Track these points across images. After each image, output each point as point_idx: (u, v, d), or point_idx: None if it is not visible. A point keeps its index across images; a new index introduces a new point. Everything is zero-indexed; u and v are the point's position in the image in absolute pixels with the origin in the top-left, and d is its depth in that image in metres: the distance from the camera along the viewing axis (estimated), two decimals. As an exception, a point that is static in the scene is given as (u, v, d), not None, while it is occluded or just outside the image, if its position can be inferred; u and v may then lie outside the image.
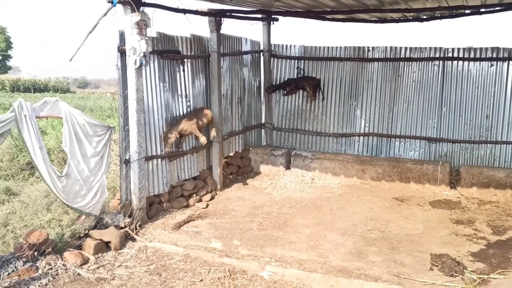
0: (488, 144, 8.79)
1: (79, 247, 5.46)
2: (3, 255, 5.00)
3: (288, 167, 9.41)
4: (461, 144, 8.97)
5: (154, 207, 6.79)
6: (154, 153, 6.78)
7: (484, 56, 8.74)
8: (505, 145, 8.67)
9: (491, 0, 6.94)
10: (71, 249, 5.35)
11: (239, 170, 9.24)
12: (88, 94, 37.69)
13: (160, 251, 5.63)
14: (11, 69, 63.95)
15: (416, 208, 7.38)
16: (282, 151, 9.49)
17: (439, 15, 8.42)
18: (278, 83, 10.17)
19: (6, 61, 62.87)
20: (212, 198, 7.79)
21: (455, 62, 8.97)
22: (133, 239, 5.88)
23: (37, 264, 4.98)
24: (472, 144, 8.90)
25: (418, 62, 9.21)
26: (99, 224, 5.87)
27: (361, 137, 9.70)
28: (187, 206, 7.29)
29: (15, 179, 8.42)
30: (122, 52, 6.07)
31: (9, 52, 61.49)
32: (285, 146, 10.24)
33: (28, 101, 5.06)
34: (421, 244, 5.90)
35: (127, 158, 6.22)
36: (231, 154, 9.17)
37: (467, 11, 8.06)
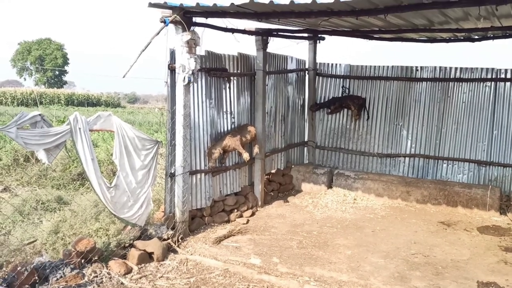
0: (543, 170, 8.38)
1: (124, 257, 5.64)
2: (52, 261, 5.24)
3: (330, 186, 9.34)
4: (513, 168, 8.61)
5: (196, 221, 6.92)
6: (198, 168, 6.93)
7: (540, 78, 8.42)
8: (561, 171, 8.24)
9: (547, 20, 6.70)
10: (116, 258, 5.53)
11: (280, 188, 9.27)
12: (137, 109, 39.02)
13: (200, 264, 5.73)
14: (66, 84, 67.35)
15: (463, 233, 7.12)
16: (324, 170, 9.44)
17: (491, 35, 8.20)
18: (322, 101, 10.17)
19: (62, 76, 66.33)
20: (252, 214, 7.84)
21: (508, 84, 8.67)
22: (175, 251, 6.01)
23: (84, 272, 5.19)
24: (525, 169, 8.53)
25: (468, 82, 8.97)
26: (143, 235, 6.04)
27: (407, 158, 9.50)
28: (228, 221, 7.37)
29: (66, 188, 8.82)
30: (172, 70, 6.30)
31: (65, 67, 64.82)
32: (328, 165, 10.18)
33: (82, 115, 5.34)
34: (467, 271, 5.68)
35: (173, 171, 6.39)
36: (273, 171, 9.21)
37: (522, 31, 7.80)
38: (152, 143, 5.94)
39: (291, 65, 9.55)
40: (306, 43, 9.83)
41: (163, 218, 6.41)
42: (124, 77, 5.64)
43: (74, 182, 9.04)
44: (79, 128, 5.19)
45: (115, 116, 5.61)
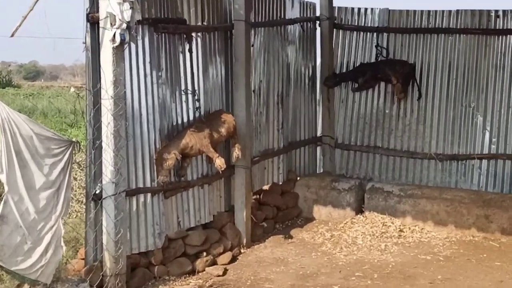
0: None
1: (18, 336, 5.55)
2: None
3: (360, 210, 9.37)
4: None
5: (140, 273, 6.86)
6: (140, 185, 6.87)
7: None
8: None
9: None
10: None
11: (279, 214, 9.26)
12: (40, 89, 38.67)
13: None
14: None
15: None
16: (350, 184, 9.46)
17: None
18: (344, 71, 10.21)
19: None
20: (233, 259, 7.83)
21: None
22: (104, 325, 5.94)
23: None
24: None
25: None
26: (51, 298, 5.96)
27: (485, 161, 9.58)
28: (193, 271, 7.34)
29: None
30: (94, 23, 6.20)
31: None
32: (356, 175, 10.23)
33: None
34: None
35: (98, 192, 6.31)
36: (266, 187, 9.21)
37: None
38: (62, 145, 5.84)
39: (293, 12, 9.56)
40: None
41: (83, 269, 6.34)
42: (12, 36, 5.54)
43: None
44: None
45: (-2, 101, 5.52)
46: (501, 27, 9.45)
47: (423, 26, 9.84)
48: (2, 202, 5.55)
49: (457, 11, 9.67)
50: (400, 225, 8.90)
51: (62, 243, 5.92)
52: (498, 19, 9.47)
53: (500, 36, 9.44)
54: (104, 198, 6.27)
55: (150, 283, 6.89)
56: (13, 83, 48.81)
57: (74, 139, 6.03)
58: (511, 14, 9.39)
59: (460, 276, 7.33)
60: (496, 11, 9.49)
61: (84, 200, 6.59)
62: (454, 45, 9.69)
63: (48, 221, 5.77)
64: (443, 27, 9.73)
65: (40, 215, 5.70)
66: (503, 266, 7.64)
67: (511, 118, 9.42)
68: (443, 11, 9.76)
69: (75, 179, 7.02)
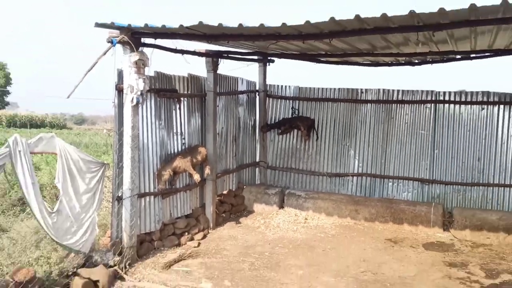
0: (481, 187, 8.79)
1: (67, 286, 5.35)
2: (-12, 293, 4.88)
3: (281, 206, 9.38)
4: (454, 186, 9.00)
5: (145, 246, 6.71)
6: (147, 190, 6.78)
7: (475, 100, 8.90)
8: (497, 187, 8.69)
9: (480, 46, 7.16)
10: (59, 288, 5.24)
11: (232, 209, 9.21)
12: (84, 131, 37.74)
13: (149, 291, 5.52)
14: (8, 105, 64.16)
15: (409, 250, 7.33)
16: (275, 190, 9.49)
17: (430, 60, 8.64)
18: (273, 122, 10.29)
19: (4, 96, 63.24)
20: (204, 236, 7.71)
21: (446, 105, 9.13)
22: (122, 278, 5.77)
23: (23, 303, 4.86)
24: (464, 186, 8.92)
25: (410, 104, 9.36)
26: (88, 262, 5.77)
27: (355, 177, 9.73)
28: (179, 244, 7.20)
29: (5, 215, 8.29)
30: (120, 90, 6.16)
31: (8, 88, 61.92)
32: (279, 185, 10.23)
33: (23, 137, 5.09)
34: (414, 287, 5.82)
35: (120, 195, 6.20)
36: (225, 192, 9.15)
37: (458, 56, 8.28)
38: (98, 165, 5.75)
39: (242, 87, 9.63)
40: (256, 65, 9.97)
41: (109, 243, 6.16)
42: (68, 97, 5.44)
43: (14, 208, 8.51)
44: (19, 151, 4.93)
45: (58, 137, 5.39)
46: (364, 99, 9.72)
47: (319, 97, 10.04)
48: (58, 201, 5.40)
49: (339, 88, 9.92)
50: (305, 216, 8.98)
51: (96, 227, 5.82)
52: (362, 93, 9.75)
53: (364, 104, 9.70)
54: (124, 199, 6.19)
55: (151, 252, 6.76)
56: (67, 126, 47.51)
57: (105, 162, 5.94)
58: (370, 91, 9.68)
59: (340, 246, 7.43)
60: (361, 89, 9.76)
61: (111, 200, 6.46)
62: (337, 108, 9.91)
63: (88, 213, 5.66)
64: (331, 97, 9.95)
65: (82, 209, 5.59)
66: (365, 240, 7.78)
67: (370, 152, 9.63)
68: (331, 88, 9.98)
69: (106, 186, 6.88)
